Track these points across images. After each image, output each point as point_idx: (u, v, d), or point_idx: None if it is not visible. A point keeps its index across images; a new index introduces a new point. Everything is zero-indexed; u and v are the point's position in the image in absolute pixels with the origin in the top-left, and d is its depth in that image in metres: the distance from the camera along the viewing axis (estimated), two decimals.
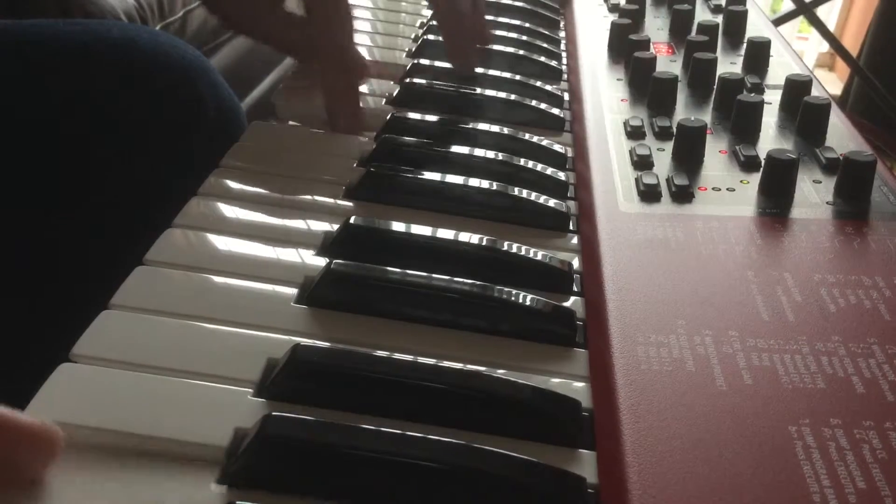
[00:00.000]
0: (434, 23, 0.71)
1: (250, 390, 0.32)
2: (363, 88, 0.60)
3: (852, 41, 2.12)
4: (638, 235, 0.42)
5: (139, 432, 0.30)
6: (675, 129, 0.50)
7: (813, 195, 0.46)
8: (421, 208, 0.46)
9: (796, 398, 0.31)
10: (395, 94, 0.59)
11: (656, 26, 0.71)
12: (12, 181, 0.55)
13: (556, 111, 0.59)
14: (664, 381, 0.32)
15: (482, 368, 0.35)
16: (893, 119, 1.39)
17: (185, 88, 0.59)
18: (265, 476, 0.29)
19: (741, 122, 0.52)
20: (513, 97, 0.59)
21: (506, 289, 0.38)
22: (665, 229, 0.42)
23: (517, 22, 0.73)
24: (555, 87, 0.64)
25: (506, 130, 0.54)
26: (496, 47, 0.67)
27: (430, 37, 0.68)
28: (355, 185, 0.47)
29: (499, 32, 0.70)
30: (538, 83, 0.62)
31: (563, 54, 0.71)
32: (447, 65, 0.63)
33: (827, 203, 0.45)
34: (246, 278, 0.39)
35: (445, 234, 0.43)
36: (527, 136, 0.54)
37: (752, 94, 0.54)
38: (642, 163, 0.49)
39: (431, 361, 0.34)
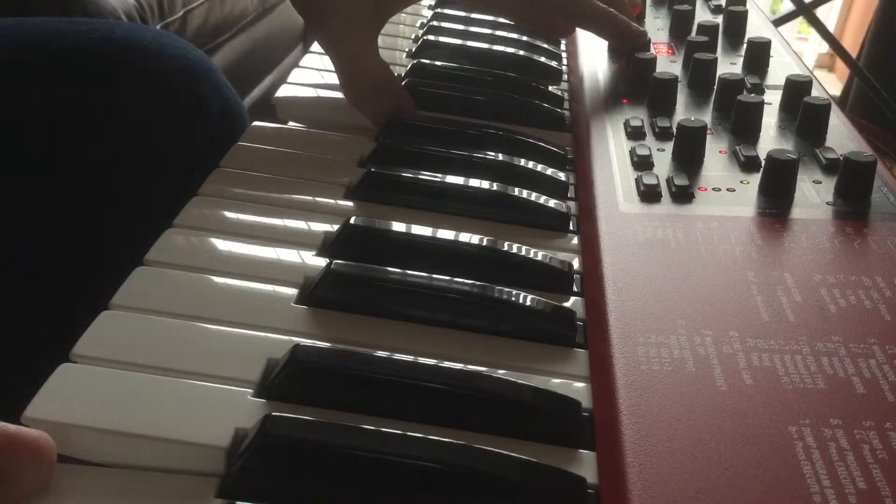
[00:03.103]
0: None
1: (250, 390, 0.32)
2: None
3: (852, 42, 2.12)
4: (638, 236, 0.42)
5: (139, 433, 0.30)
6: (675, 130, 0.50)
7: (813, 195, 0.46)
8: (421, 208, 0.46)
9: (796, 398, 0.31)
10: None
11: (656, 26, 0.71)
12: (13, 180, 0.55)
13: (556, 111, 0.59)
14: (664, 382, 0.32)
15: (482, 369, 0.35)
16: (892, 120, 1.39)
17: (189, 88, 0.59)
18: (265, 476, 0.29)
19: (741, 122, 0.52)
20: (513, 97, 0.59)
21: (506, 289, 0.38)
22: (665, 229, 0.42)
23: None
24: (555, 87, 0.64)
25: (506, 131, 0.54)
26: (496, 47, 0.67)
27: (431, 37, 0.68)
28: (355, 185, 0.47)
29: (499, 33, 0.70)
30: (538, 83, 0.62)
31: (564, 54, 0.71)
32: (448, 64, 0.63)
33: (827, 203, 0.45)
34: (246, 279, 0.39)
35: (445, 234, 0.43)
36: (527, 137, 0.54)
37: (752, 95, 0.54)
38: (642, 163, 0.49)
39: (431, 361, 0.34)
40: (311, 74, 0.61)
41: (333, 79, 0.57)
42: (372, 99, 0.55)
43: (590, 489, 0.30)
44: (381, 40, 0.72)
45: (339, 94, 0.56)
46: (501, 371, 0.35)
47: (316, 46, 0.68)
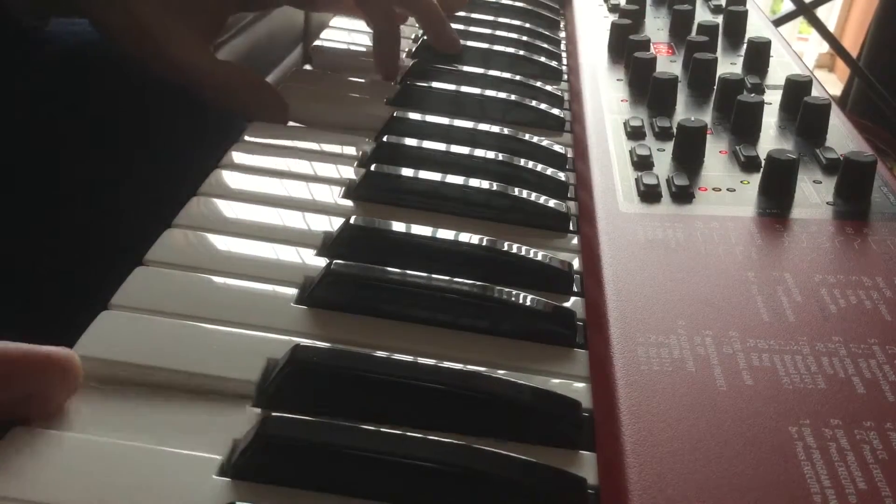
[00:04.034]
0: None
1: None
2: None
3: (852, 42, 2.12)
4: (638, 236, 0.42)
5: (135, 443, 0.30)
6: (675, 130, 0.50)
7: (813, 195, 0.46)
8: (421, 208, 0.46)
9: (796, 398, 0.31)
10: (395, 95, 0.59)
11: (656, 26, 0.71)
12: (12, 180, 0.54)
13: (556, 111, 0.59)
14: (664, 382, 0.32)
15: (482, 369, 0.34)
16: (893, 120, 1.39)
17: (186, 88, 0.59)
18: (265, 477, 0.29)
19: (741, 122, 0.52)
20: (513, 97, 0.59)
21: (506, 289, 0.38)
22: (665, 230, 0.42)
23: (517, 22, 0.73)
24: (555, 87, 0.64)
25: (506, 131, 0.54)
26: (496, 47, 0.67)
27: None
28: (355, 185, 0.47)
29: (499, 33, 0.70)
30: (538, 83, 0.62)
31: (564, 54, 0.71)
32: (448, 64, 0.63)
33: (827, 203, 0.45)
34: (246, 278, 0.39)
35: (445, 234, 0.42)
36: (527, 137, 0.54)
37: (753, 95, 0.54)
38: (642, 163, 0.48)
39: (431, 362, 0.34)
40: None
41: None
42: (244, 97, 0.55)
43: (590, 489, 0.30)
44: None
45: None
46: (501, 371, 0.35)
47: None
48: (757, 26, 0.70)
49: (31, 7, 0.55)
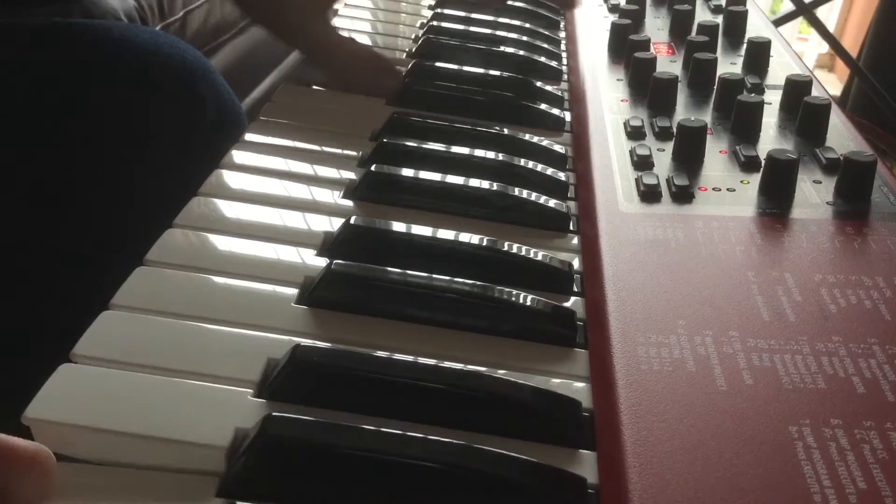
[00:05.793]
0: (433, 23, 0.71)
1: (250, 390, 0.32)
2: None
3: (852, 42, 2.12)
4: (638, 235, 0.42)
5: (139, 433, 0.30)
6: (675, 130, 0.50)
7: (813, 195, 0.46)
8: (421, 208, 0.46)
9: (797, 398, 0.31)
10: (395, 95, 0.59)
11: (656, 26, 0.71)
12: (13, 180, 0.55)
13: (556, 111, 0.59)
14: (664, 382, 0.32)
15: (482, 369, 0.35)
16: (893, 119, 1.39)
17: (186, 89, 0.59)
18: (265, 476, 0.29)
19: (741, 122, 0.52)
20: (513, 97, 0.59)
21: (506, 289, 0.38)
22: (665, 229, 0.42)
23: (518, 22, 0.74)
24: (555, 87, 0.64)
25: (506, 131, 0.54)
26: (496, 48, 0.67)
27: (431, 37, 0.68)
28: (355, 186, 0.47)
29: (499, 33, 0.70)
30: (539, 83, 0.62)
31: (564, 54, 0.71)
32: (448, 64, 0.63)
33: (827, 203, 0.45)
34: (246, 278, 0.39)
35: (445, 234, 0.42)
36: (527, 137, 0.54)
37: (752, 95, 0.54)
38: (642, 163, 0.48)
39: (431, 362, 0.34)
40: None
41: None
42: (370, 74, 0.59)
43: (590, 489, 0.30)
44: (381, 40, 0.72)
45: None
46: (501, 371, 0.35)
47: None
48: (757, 26, 0.70)
49: None
